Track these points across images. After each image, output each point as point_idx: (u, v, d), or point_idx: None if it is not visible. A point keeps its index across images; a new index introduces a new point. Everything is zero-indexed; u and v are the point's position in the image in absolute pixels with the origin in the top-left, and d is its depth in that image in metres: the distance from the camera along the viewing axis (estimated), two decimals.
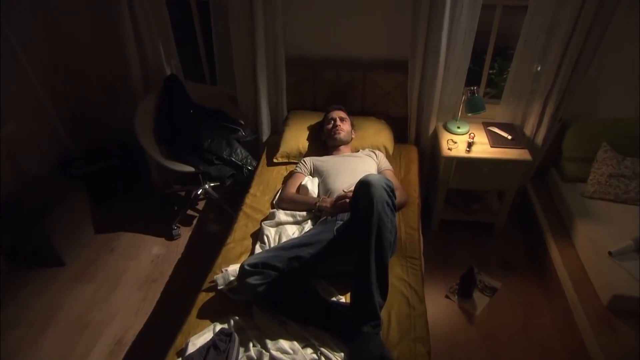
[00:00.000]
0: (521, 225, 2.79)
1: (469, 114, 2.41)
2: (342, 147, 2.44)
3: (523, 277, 2.44)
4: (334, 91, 2.69)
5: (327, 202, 2.06)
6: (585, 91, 2.45)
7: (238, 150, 2.59)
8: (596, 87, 2.48)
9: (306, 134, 2.60)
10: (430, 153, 2.75)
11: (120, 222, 2.85)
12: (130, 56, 2.60)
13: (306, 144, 2.55)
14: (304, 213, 2.11)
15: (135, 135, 2.46)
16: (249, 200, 2.30)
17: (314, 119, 2.66)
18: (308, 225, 2.07)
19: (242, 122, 2.76)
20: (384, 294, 1.57)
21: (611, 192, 2.43)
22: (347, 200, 1.96)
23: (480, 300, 2.32)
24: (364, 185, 1.60)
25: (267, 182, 2.43)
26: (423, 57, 2.43)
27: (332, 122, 2.44)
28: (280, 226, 2.07)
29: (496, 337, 2.13)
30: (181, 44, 2.89)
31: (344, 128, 2.42)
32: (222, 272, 1.83)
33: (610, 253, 2.09)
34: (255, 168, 2.57)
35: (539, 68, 2.41)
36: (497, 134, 2.50)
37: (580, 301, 2.05)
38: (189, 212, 2.94)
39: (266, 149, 2.69)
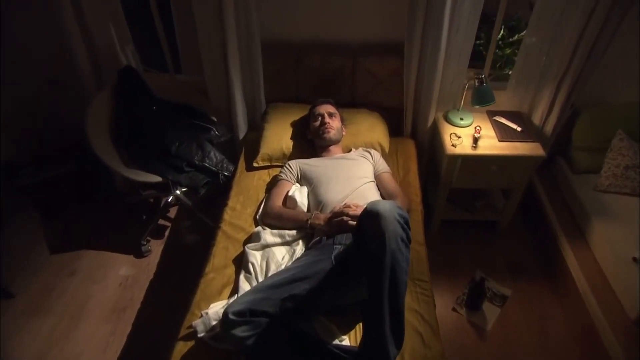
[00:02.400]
0: (527, 222, 2.58)
1: (477, 107, 2.12)
2: (332, 147, 2.12)
3: (534, 283, 2.24)
4: (320, 80, 2.34)
5: (321, 218, 1.76)
6: (599, 74, 2.18)
7: (212, 154, 2.24)
8: (611, 70, 2.21)
9: (290, 131, 2.26)
10: (428, 147, 2.47)
11: (81, 239, 2.49)
12: (72, 41, 2.18)
13: (290, 143, 2.22)
14: (294, 232, 1.81)
15: (87, 140, 2.08)
16: (227, 215, 1.98)
17: (298, 113, 2.32)
18: (299, 247, 1.78)
19: (215, 119, 2.40)
20: (399, 344, 1.31)
21: (628, 186, 2.22)
22: (345, 218, 1.67)
23: (490, 311, 2.11)
24: (372, 217, 1.31)
25: (247, 191, 2.11)
26: (422, 40, 2.10)
27: (320, 118, 2.11)
28: (267, 249, 1.77)
29: (511, 356, 1.93)
30: (136, 26, 2.45)
31: (334, 125, 2.10)
32: (201, 315, 1.54)
33: (635, 259, 1.89)
34: (233, 174, 2.23)
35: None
36: (505, 125, 2.23)
37: (603, 314, 1.86)
38: (160, 221, 2.59)
39: (244, 149, 2.35)
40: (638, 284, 1.80)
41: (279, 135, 2.24)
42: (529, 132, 2.19)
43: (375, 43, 2.27)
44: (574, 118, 2.35)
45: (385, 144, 2.23)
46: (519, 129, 2.19)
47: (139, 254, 2.39)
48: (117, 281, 2.27)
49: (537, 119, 2.33)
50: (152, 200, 2.74)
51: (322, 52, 2.28)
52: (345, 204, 1.74)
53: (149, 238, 2.46)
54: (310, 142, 2.19)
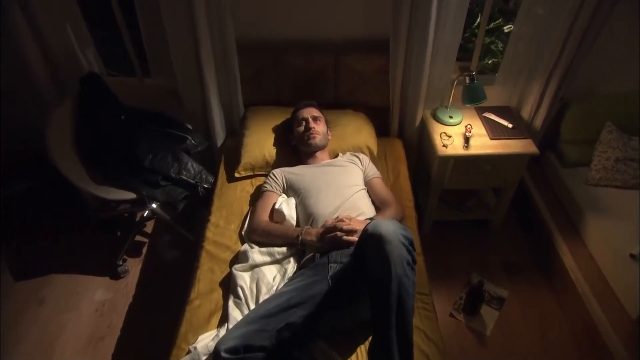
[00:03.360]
0: (519, 219, 2.52)
1: (468, 105, 2.03)
2: (318, 154, 2.00)
3: (531, 282, 2.19)
4: (301, 81, 2.21)
5: (312, 234, 1.64)
6: (586, 66, 2.13)
7: (189, 165, 2.07)
8: (599, 60, 2.16)
9: (272, 137, 2.12)
10: (416, 147, 2.37)
11: (49, 262, 2.28)
12: (25, 45, 1.96)
13: (273, 150, 2.08)
14: (284, 249, 1.69)
15: (49, 157, 1.89)
16: (210, 233, 1.83)
17: (279, 117, 2.18)
18: (291, 266, 1.66)
19: (190, 127, 2.23)
20: None
21: (618, 178, 2.19)
22: (339, 233, 1.56)
23: (489, 315, 2.05)
24: (374, 241, 1.20)
25: (230, 205, 1.96)
26: (408, 35, 1.99)
27: (304, 123, 1.97)
28: (256, 269, 1.64)
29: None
30: (96, 26, 2.24)
31: (319, 130, 1.97)
32: (189, 350, 1.40)
33: (632, 256, 1.86)
34: (213, 185, 2.08)
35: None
36: (496, 122, 2.16)
37: (604, 313, 1.83)
38: (136, 238, 2.42)
39: (223, 158, 2.19)
40: (638, 282, 1.77)
41: (260, 142, 2.09)
42: (520, 129, 2.12)
43: (359, 40, 2.14)
44: (562, 111, 2.30)
45: (374, 146, 2.12)
46: (510, 125, 2.11)
47: (115, 275, 2.22)
48: (93, 307, 2.10)
49: (526, 113, 2.27)
50: (126, 214, 2.55)
51: (303, 51, 2.14)
52: (337, 217, 1.63)
53: (125, 257, 2.29)
54: (295, 148, 2.06)
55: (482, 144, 2.05)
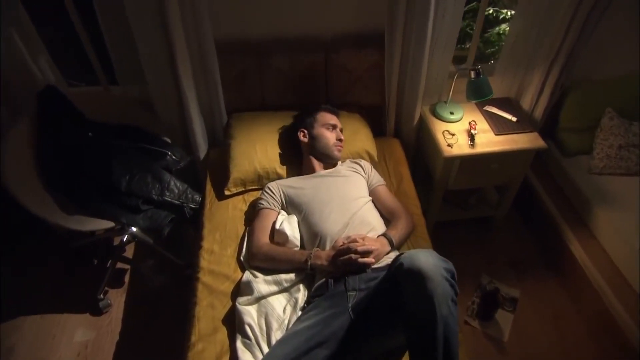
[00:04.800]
0: (522, 213, 2.44)
1: (473, 101, 1.90)
2: (316, 163, 1.82)
3: (540, 280, 2.13)
4: (288, 83, 2.01)
5: (323, 257, 1.48)
6: (585, 51, 2.04)
7: (172, 184, 1.86)
8: (596, 45, 2.07)
9: (262, 146, 1.92)
10: (414, 146, 2.23)
11: (17, 302, 2.03)
12: None
13: (265, 161, 1.88)
14: (291, 275, 1.52)
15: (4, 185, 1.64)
16: (205, 262, 1.64)
17: (267, 123, 1.99)
18: (301, 295, 1.49)
19: (168, 140, 2.00)
20: None
21: (622, 166, 2.13)
22: (354, 256, 1.40)
23: (504, 319, 1.97)
24: (414, 278, 1.05)
25: (223, 227, 1.77)
26: (404, 27, 1.83)
27: (336, 131, 1.83)
28: (263, 301, 1.47)
29: None
30: (47, 29, 1.96)
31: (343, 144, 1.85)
32: None
33: None
34: (201, 205, 1.88)
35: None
36: (499, 116, 2.04)
37: (623, 308, 1.77)
38: (117, 265, 2.18)
39: (209, 173, 1.99)
40: None
41: (249, 153, 1.90)
42: (525, 122, 2.02)
43: (350, 35, 1.97)
44: (561, 99, 2.22)
45: (373, 150, 1.97)
46: (514, 119, 2.00)
47: (97, 310, 1.99)
48: (74, 351, 1.87)
49: (526, 103, 2.17)
50: (102, 239, 2.31)
51: (289, 50, 1.94)
52: (350, 237, 1.47)
53: (106, 288, 2.06)
54: (292, 151, 1.87)
55: (488, 140, 1.93)
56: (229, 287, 1.57)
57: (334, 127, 1.82)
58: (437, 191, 2.08)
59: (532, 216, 2.36)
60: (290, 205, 1.71)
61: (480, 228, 2.35)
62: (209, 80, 1.91)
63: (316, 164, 1.80)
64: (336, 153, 1.79)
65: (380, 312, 1.25)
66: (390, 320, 1.23)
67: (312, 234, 1.59)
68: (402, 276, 1.09)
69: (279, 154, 1.91)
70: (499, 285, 2.07)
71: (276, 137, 1.94)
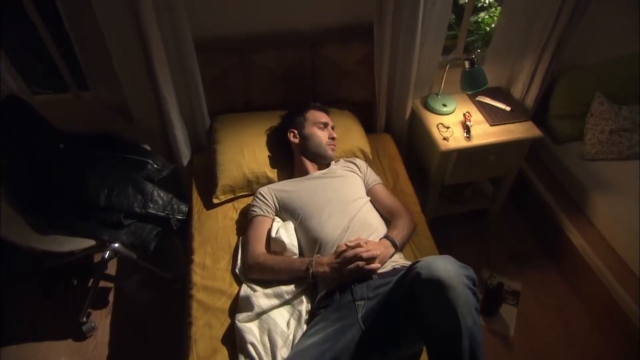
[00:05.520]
0: (517, 204, 2.40)
1: (468, 92, 1.84)
2: (309, 164, 1.73)
3: (540, 270, 2.10)
4: (273, 81, 1.91)
5: (325, 264, 1.39)
6: (575, 36, 2.01)
7: (156, 195, 1.74)
8: (584, 30, 2.04)
9: (249, 149, 1.81)
10: (406, 140, 2.16)
11: None
12: None
13: (254, 166, 1.78)
14: (292, 286, 1.42)
15: None
16: (197, 277, 1.53)
17: (252, 124, 1.89)
18: (304, 306, 1.40)
19: (148, 148, 1.87)
20: None
21: (614, 151, 2.12)
22: (360, 263, 1.32)
23: (508, 313, 1.93)
24: (434, 288, 0.98)
25: (214, 238, 1.66)
26: (393, 17, 1.75)
27: (328, 130, 1.74)
28: (264, 316, 1.37)
29: None
30: (4, 31, 1.79)
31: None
32: None
33: None
34: (188, 215, 1.76)
35: None
36: (492, 106, 1.99)
37: (628, 294, 1.75)
38: (100, 283, 2.03)
39: (194, 181, 1.86)
40: None
41: (236, 158, 1.78)
42: (519, 111, 1.97)
43: (336, 28, 1.87)
44: (551, 86, 2.19)
45: (367, 148, 1.89)
46: (507, 108, 1.96)
47: (80, 334, 1.85)
48: None
49: (517, 92, 2.13)
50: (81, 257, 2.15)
51: (273, 47, 1.83)
52: (354, 242, 1.38)
53: (89, 310, 1.91)
54: (284, 156, 1.77)
55: (484, 132, 1.88)
56: (225, 303, 1.46)
57: (326, 125, 1.73)
58: (433, 186, 2.02)
59: (528, 206, 2.33)
60: (285, 211, 1.61)
61: (477, 221, 2.31)
62: (189, 81, 1.79)
63: (309, 165, 1.70)
64: (330, 152, 1.71)
65: (393, 321, 1.17)
66: (405, 330, 1.16)
67: (310, 240, 1.50)
68: (420, 286, 1.01)
69: (269, 156, 1.80)
70: (501, 279, 2.03)
71: (264, 139, 1.84)
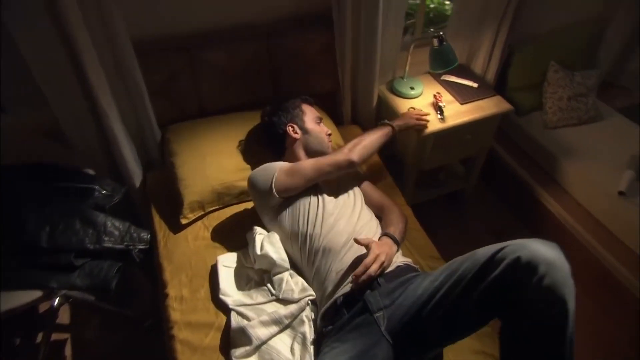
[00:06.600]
0: (489, 181, 2.37)
1: (439, 71, 1.76)
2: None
3: None
4: (228, 80, 1.71)
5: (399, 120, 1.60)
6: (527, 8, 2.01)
7: (109, 226, 1.48)
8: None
9: (215, 157, 1.61)
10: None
11: None
12: None
13: (223, 175, 1.58)
14: (291, 309, 1.26)
15: None
16: (176, 313, 1.32)
17: (211, 130, 1.69)
18: (307, 327, 1.24)
19: (92, 172, 1.61)
20: None
21: (574, 116, 2.16)
22: (373, 271, 1.17)
23: None
24: (544, 271, 0.88)
25: (188, 264, 1.45)
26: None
27: (321, 123, 1.60)
28: (264, 347, 1.20)
29: None
30: None
31: None
32: None
33: (621, 193, 1.82)
34: (152, 243, 1.53)
35: None
36: (459, 84, 1.94)
37: (613, 257, 1.77)
38: (52, 336, 1.73)
39: (152, 203, 1.63)
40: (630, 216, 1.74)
41: (200, 169, 1.58)
42: (485, 86, 1.93)
43: (293, 17, 1.71)
44: (508, 59, 2.18)
45: (342, 142, 1.75)
46: (475, 85, 1.91)
47: None
48: None
49: (478, 68, 2.09)
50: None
51: (225, 42, 1.64)
52: (365, 241, 1.23)
53: None
54: (275, 152, 1.58)
55: (456, 111, 1.81)
56: (215, 338, 1.27)
57: (320, 119, 1.59)
58: (410, 174, 1.94)
59: (501, 182, 2.32)
60: (287, 211, 1.40)
61: (453, 204, 2.27)
62: (131, 89, 1.55)
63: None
64: (331, 150, 1.55)
65: (422, 324, 1.05)
66: (440, 338, 1.05)
67: (312, 250, 1.32)
68: (522, 271, 0.90)
69: (237, 162, 1.62)
70: None
71: (229, 145, 1.65)
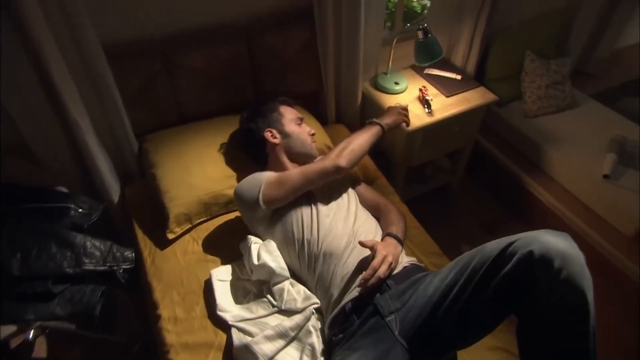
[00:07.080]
0: (473, 174, 2.36)
1: (424, 64, 1.73)
2: (292, 166, 1.47)
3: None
4: (208, 83, 1.62)
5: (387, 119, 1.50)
6: None
7: (89, 247, 1.36)
8: None
9: (199, 165, 1.52)
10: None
11: None
12: None
13: (208, 184, 1.49)
14: (297, 319, 1.18)
15: None
16: (171, 335, 1.22)
17: (195, 137, 1.60)
18: (315, 337, 1.17)
19: (65, 190, 1.48)
20: None
21: (552, 104, 2.19)
22: (382, 274, 1.12)
23: None
24: (559, 265, 0.84)
25: (179, 282, 1.35)
26: None
27: (302, 123, 1.52)
28: None
29: None
30: None
31: None
32: None
33: (606, 176, 1.85)
34: (139, 262, 1.42)
35: None
36: (442, 77, 1.92)
37: (604, 239, 1.80)
38: None
39: (135, 220, 1.52)
40: (615, 198, 1.78)
41: (185, 180, 1.48)
42: (468, 78, 1.93)
43: (272, 14, 1.64)
44: (486, 50, 2.18)
45: (329, 141, 1.70)
46: (458, 77, 1.90)
47: None
48: None
49: (458, 60, 2.08)
50: None
51: (202, 44, 1.55)
52: (369, 243, 1.18)
53: None
54: (257, 160, 1.50)
55: (443, 105, 1.79)
56: (216, 358, 1.18)
57: (301, 120, 1.51)
58: (400, 171, 1.90)
59: (486, 173, 2.33)
60: (279, 219, 1.33)
61: (441, 198, 2.25)
62: (104, 97, 1.44)
63: (290, 166, 1.45)
64: (315, 150, 1.49)
65: (437, 325, 1.00)
66: (454, 339, 1.01)
67: (311, 256, 1.26)
68: (537, 266, 0.86)
69: (223, 170, 1.53)
70: None
71: (212, 152, 1.56)
